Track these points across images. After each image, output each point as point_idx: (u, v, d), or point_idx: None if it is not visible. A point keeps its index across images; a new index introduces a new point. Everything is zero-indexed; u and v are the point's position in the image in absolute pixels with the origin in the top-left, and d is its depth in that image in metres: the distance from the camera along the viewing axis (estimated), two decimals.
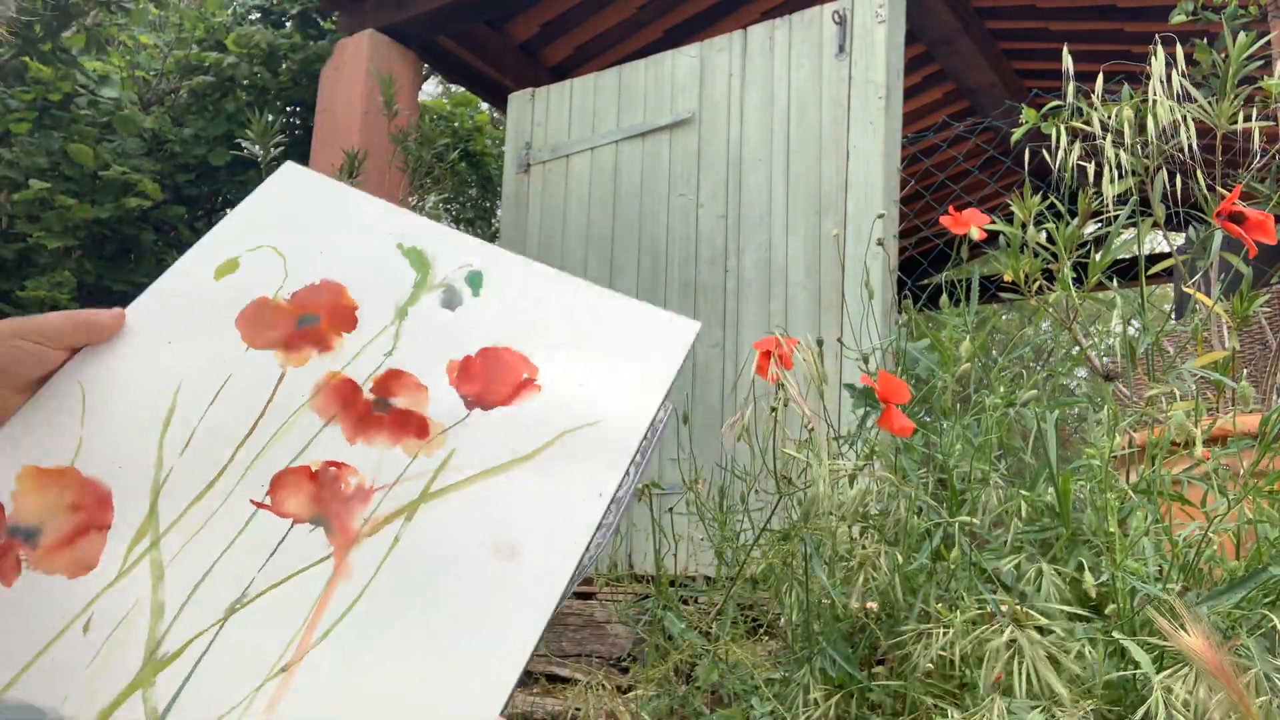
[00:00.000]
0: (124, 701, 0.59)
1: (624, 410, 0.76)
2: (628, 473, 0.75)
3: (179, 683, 0.60)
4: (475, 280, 0.84)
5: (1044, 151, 1.66)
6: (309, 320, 0.78)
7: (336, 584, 0.65)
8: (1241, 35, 1.63)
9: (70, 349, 0.71)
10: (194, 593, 0.64)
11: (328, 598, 0.65)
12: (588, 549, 0.69)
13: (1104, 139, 1.54)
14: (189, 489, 0.68)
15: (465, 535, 0.69)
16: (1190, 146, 1.51)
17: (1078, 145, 1.58)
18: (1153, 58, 1.57)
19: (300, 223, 0.85)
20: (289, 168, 0.89)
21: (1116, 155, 1.50)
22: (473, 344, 0.79)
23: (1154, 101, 1.53)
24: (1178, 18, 2.64)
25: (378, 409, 0.74)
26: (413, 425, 0.74)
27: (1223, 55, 1.63)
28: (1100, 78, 1.64)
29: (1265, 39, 1.98)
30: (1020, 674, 0.90)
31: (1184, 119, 1.50)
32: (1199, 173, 1.56)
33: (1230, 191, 1.15)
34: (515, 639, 0.65)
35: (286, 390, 0.74)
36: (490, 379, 0.77)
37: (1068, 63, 1.71)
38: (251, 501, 0.68)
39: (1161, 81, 1.54)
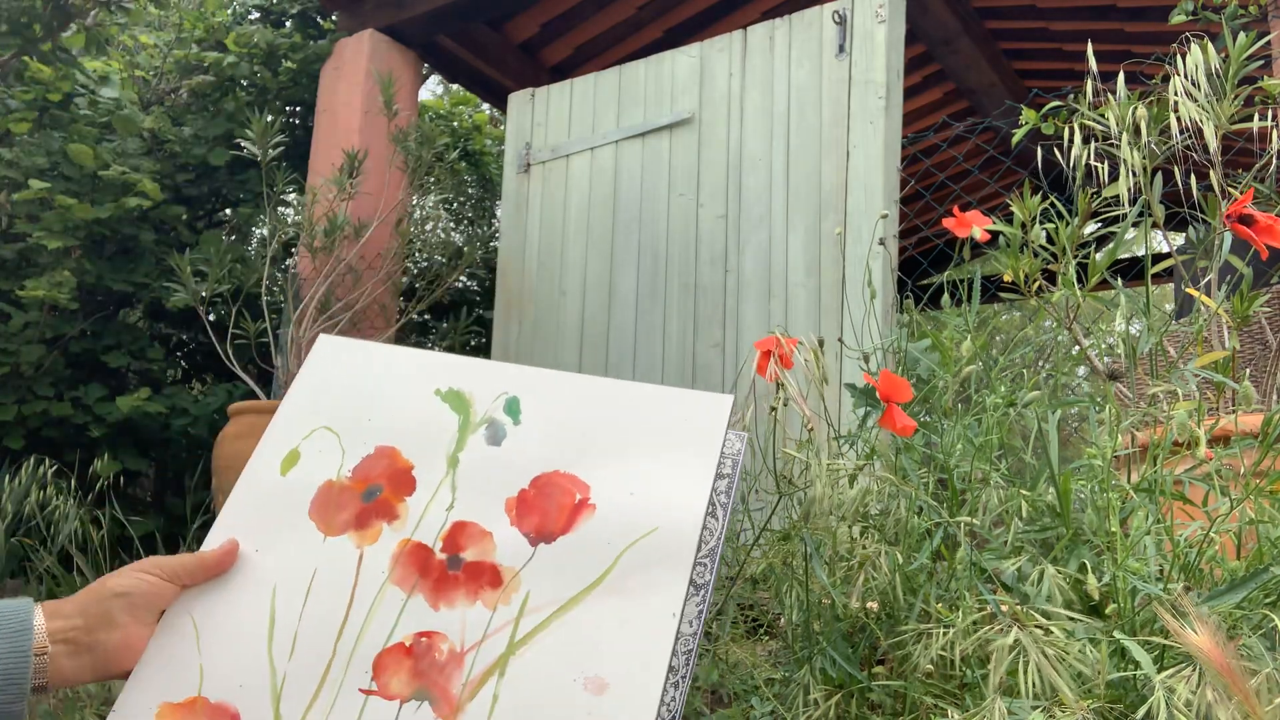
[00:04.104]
0: None
1: (676, 511, 0.79)
2: (697, 565, 0.78)
3: None
4: (513, 409, 0.88)
5: (1055, 150, 1.66)
6: (373, 493, 0.84)
7: None
8: (1241, 35, 1.63)
9: (185, 585, 0.79)
10: None
11: None
12: (671, 665, 0.73)
13: (1118, 138, 1.54)
14: (304, 691, 0.73)
15: (556, 678, 0.72)
16: (1207, 147, 1.51)
17: (1091, 145, 1.58)
18: (1177, 58, 1.57)
19: (344, 394, 0.90)
20: (322, 341, 0.96)
21: (1130, 155, 1.50)
22: (524, 476, 0.84)
23: (1176, 102, 1.53)
24: (1178, 18, 2.64)
25: (451, 568, 0.79)
26: (486, 576, 0.78)
27: (1223, 55, 1.63)
28: (1121, 77, 1.63)
29: (1265, 39, 1.97)
30: (1025, 674, 0.89)
31: (1204, 120, 1.50)
32: (1211, 172, 1.56)
33: (1228, 191, 1.15)
34: None
35: (367, 570, 0.79)
36: (547, 510, 0.81)
37: (1092, 63, 1.71)
38: (360, 690, 0.73)
39: (1191, 81, 1.53)
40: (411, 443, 0.86)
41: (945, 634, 1.03)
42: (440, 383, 0.90)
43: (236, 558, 0.80)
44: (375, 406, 0.89)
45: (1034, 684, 0.88)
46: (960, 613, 1.04)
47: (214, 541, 0.81)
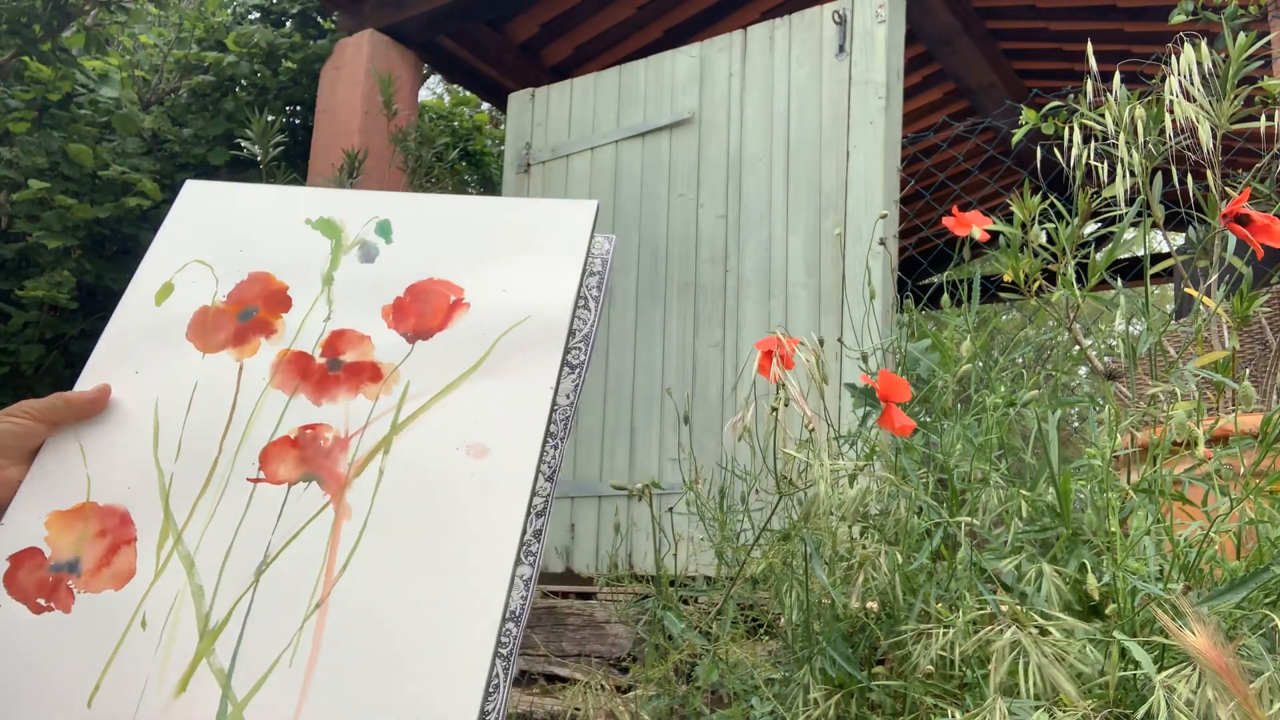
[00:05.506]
0: (194, 671, 0.68)
1: (547, 299, 0.83)
2: (573, 349, 0.83)
3: (234, 643, 0.69)
4: (385, 229, 0.91)
5: (1055, 150, 1.66)
6: (249, 313, 0.86)
7: (341, 524, 0.73)
8: (1241, 35, 1.63)
9: (55, 424, 0.80)
10: (223, 569, 0.72)
11: (337, 537, 0.73)
12: (549, 430, 0.77)
13: (1116, 138, 1.54)
14: (192, 486, 0.76)
15: (438, 449, 0.76)
16: (1205, 147, 1.51)
17: (1090, 145, 1.58)
18: (1172, 58, 1.57)
19: (215, 231, 0.92)
20: (189, 186, 0.97)
21: (1129, 154, 1.50)
22: (399, 285, 0.86)
23: (1173, 102, 1.53)
24: (1178, 18, 2.64)
25: (332, 369, 0.82)
26: (366, 373, 0.82)
27: (1223, 55, 1.63)
28: (1117, 76, 1.64)
29: (1265, 39, 1.98)
30: (1026, 674, 0.89)
31: (1200, 120, 1.50)
32: (1209, 172, 1.56)
33: (1228, 191, 1.15)
34: (505, 523, 0.72)
35: (248, 379, 0.82)
36: (423, 312, 0.84)
37: (1092, 63, 1.71)
38: (247, 480, 0.76)
39: (1189, 79, 1.54)
40: (285, 267, 0.88)
41: (945, 634, 1.03)
42: (310, 213, 0.92)
43: (108, 403, 0.81)
44: (247, 238, 0.90)
45: (1034, 684, 0.88)
46: (960, 613, 1.04)
47: (87, 383, 0.82)
